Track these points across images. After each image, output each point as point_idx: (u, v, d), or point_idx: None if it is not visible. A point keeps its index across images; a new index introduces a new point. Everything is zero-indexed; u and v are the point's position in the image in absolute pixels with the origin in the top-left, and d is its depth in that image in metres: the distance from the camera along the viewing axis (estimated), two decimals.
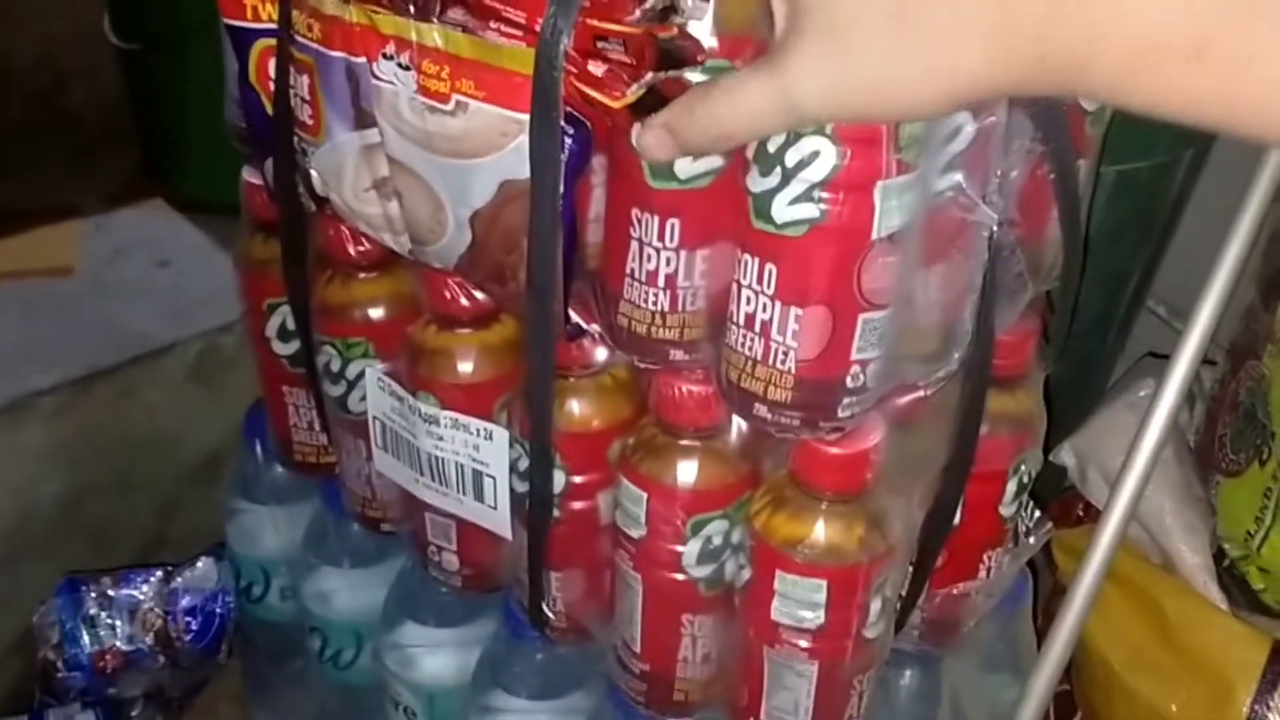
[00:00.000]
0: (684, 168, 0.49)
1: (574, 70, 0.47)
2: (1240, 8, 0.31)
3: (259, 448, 0.84)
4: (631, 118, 0.47)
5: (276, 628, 0.89)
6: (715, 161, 0.49)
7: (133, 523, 1.04)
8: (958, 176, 0.47)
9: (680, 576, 0.58)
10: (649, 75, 0.45)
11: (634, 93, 0.45)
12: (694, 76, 0.46)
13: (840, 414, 0.50)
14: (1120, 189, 0.84)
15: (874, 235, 0.45)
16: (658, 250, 0.51)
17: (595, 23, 0.45)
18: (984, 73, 0.35)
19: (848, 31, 0.36)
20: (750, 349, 0.49)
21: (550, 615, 0.65)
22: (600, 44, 0.45)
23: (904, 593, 0.61)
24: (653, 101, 0.46)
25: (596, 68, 0.46)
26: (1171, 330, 1.00)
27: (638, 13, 0.44)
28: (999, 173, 0.50)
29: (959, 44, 0.35)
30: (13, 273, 1.10)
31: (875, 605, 0.55)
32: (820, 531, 0.53)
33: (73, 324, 1.04)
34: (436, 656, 0.76)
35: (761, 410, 0.50)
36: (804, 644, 0.55)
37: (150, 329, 1.03)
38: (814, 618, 0.54)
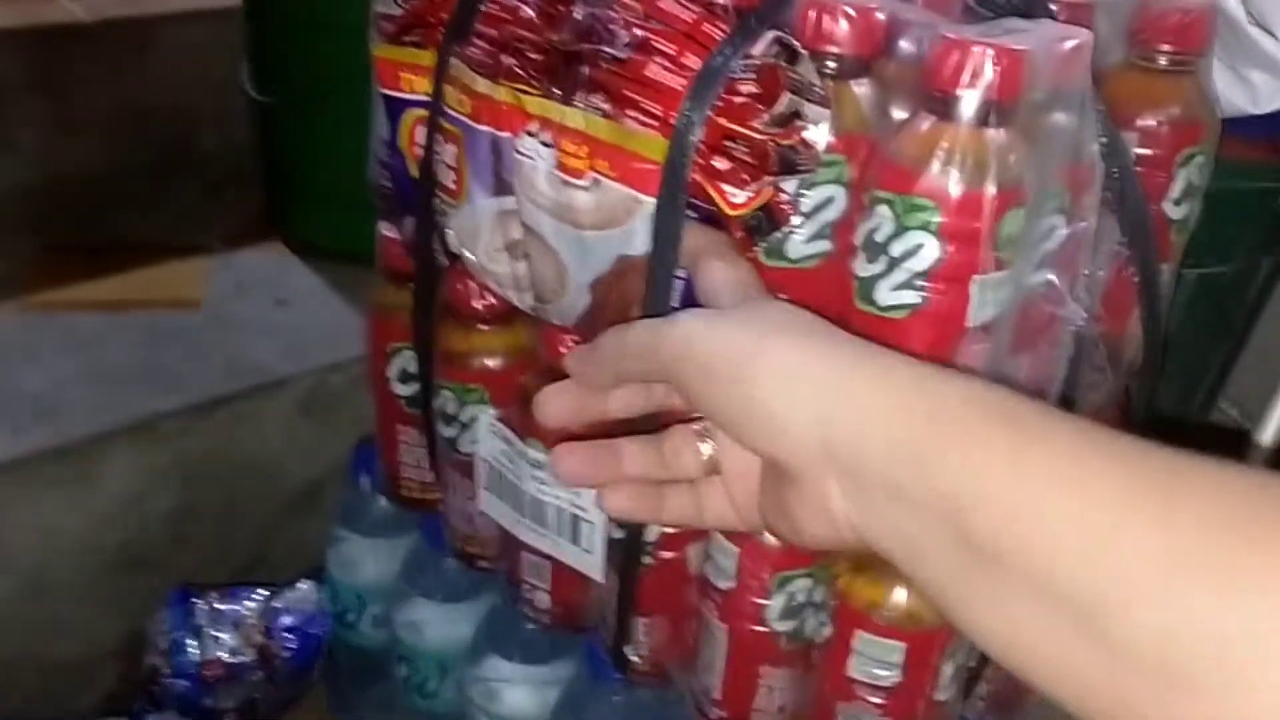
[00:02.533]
0: (795, 248, 0.53)
1: (700, 161, 0.52)
2: None
3: (365, 481, 0.89)
4: (739, 226, 0.52)
5: (366, 653, 0.94)
6: (824, 245, 0.53)
7: (235, 543, 1.10)
8: (1049, 274, 0.51)
9: (763, 629, 0.61)
10: (766, 179, 0.50)
11: (748, 207, 0.51)
12: (789, 185, 0.51)
13: None
14: (1200, 291, 0.86)
15: (969, 324, 0.49)
16: None
17: (725, 122, 0.50)
18: None
19: None
20: None
21: (633, 658, 0.69)
22: (727, 143, 0.50)
23: (973, 663, 0.64)
24: (762, 220, 0.51)
25: (721, 163, 0.51)
26: (1243, 433, 1.02)
27: (766, 117, 0.49)
28: (1087, 272, 0.54)
29: None
30: (144, 302, 1.17)
31: (948, 670, 0.59)
32: (901, 595, 0.57)
33: (196, 353, 1.11)
34: (519, 691, 0.80)
35: None
36: (877, 701, 0.58)
37: (267, 363, 1.10)
38: (889, 676, 0.58)
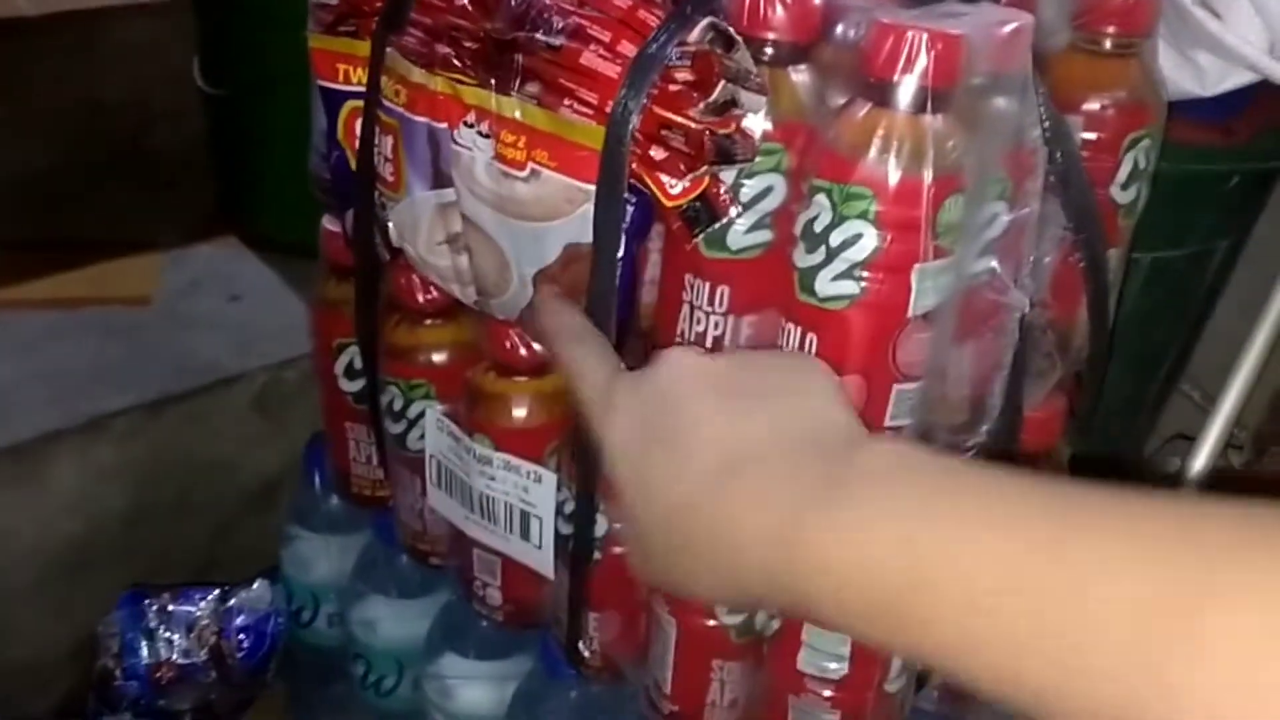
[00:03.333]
0: (736, 238, 0.53)
1: (638, 151, 0.51)
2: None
3: (317, 478, 0.88)
4: (678, 216, 0.51)
5: (322, 652, 0.93)
6: (765, 235, 0.52)
7: (190, 542, 1.09)
8: (992, 262, 0.51)
9: (712, 623, 0.60)
10: (704, 168, 0.49)
11: (685, 197, 0.50)
12: (728, 174, 0.50)
13: None
14: (1155, 276, 0.86)
15: (910, 313, 0.48)
16: (707, 314, 0.55)
17: (662, 111, 0.49)
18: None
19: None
20: None
21: (586, 654, 0.68)
22: (664, 132, 0.49)
23: None
24: (700, 211, 0.50)
25: (658, 152, 0.50)
26: (1205, 414, 1.02)
27: (702, 105, 0.48)
28: (1032, 258, 0.54)
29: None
30: (94, 299, 1.16)
31: (897, 662, 0.58)
32: None
33: (148, 351, 1.09)
34: (475, 688, 0.79)
35: None
36: (827, 693, 0.58)
37: (219, 359, 1.08)
38: (838, 669, 0.57)
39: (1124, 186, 0.60)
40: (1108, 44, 0.58)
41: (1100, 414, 0.68)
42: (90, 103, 1.39)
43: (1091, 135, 0.58)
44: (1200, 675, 0.26)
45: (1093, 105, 0.58)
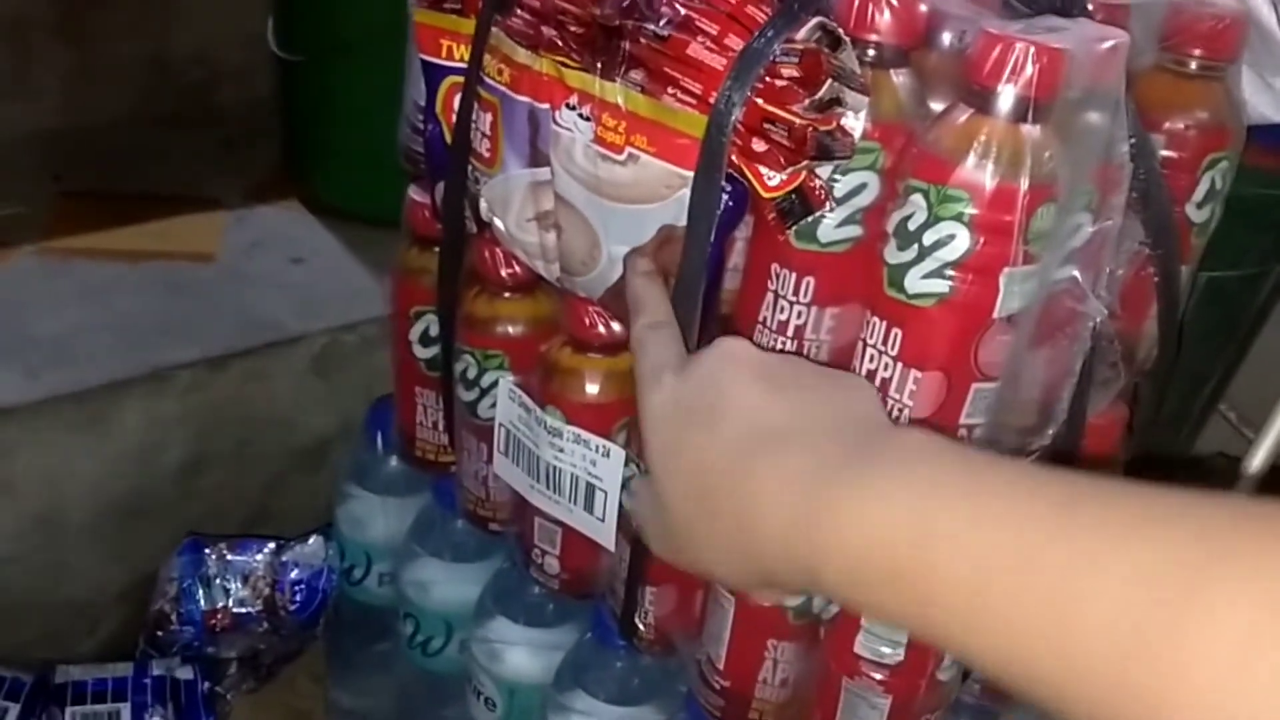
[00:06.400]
0: (826, 232, 0.54)
1: (738, 142, 0.53)
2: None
3: (379, 440, 0.90)
4: (773, 208, 0.53)
5: (370, 610, 0.95)
6: (855, 230, 0.54)
7: (242, 496, 1.11)
8: (1074, 270, 0.53)
9: (771, 603, 0.62)
10: (803, 163, 0.51)
11: (782, 190, 0.52)
12: (824, 170, 0.52)
13: None
14: (1210, 294, 0.88)
15: (995, 314, 0.50)
16: (791, 303, 0.56)
17: (766, 105, 0.51)
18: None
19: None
20: None
21: (641, 626, 0.70)
22: (766, 125, 0.51)
23: None
24: (795, 203, 0.52)
25: (759, 144, 0.52)
26: (1238, 434, 1.03)
27: (806, 101, 0.50)
28: (1109, 269, 0.56)
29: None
30: (160, 253, 1.18)
31: None
32: None
33: (211, 307, 1.11)
34: (522, 654, 0.81)
35: None
36: (880, 678, 0.60)
37: (281, 320, 1.11)
38: (894, 654, 0.59)
39: (1199, 206, 0.61)
40: (1193, 66, 0.59)
41: (1145, 428, 0.69)
42: (160, 57, 1.41)
43: (1171, 154, 0.60)
44: (1197, 663, 0.26)
45: (1174, 125, 0.60)
